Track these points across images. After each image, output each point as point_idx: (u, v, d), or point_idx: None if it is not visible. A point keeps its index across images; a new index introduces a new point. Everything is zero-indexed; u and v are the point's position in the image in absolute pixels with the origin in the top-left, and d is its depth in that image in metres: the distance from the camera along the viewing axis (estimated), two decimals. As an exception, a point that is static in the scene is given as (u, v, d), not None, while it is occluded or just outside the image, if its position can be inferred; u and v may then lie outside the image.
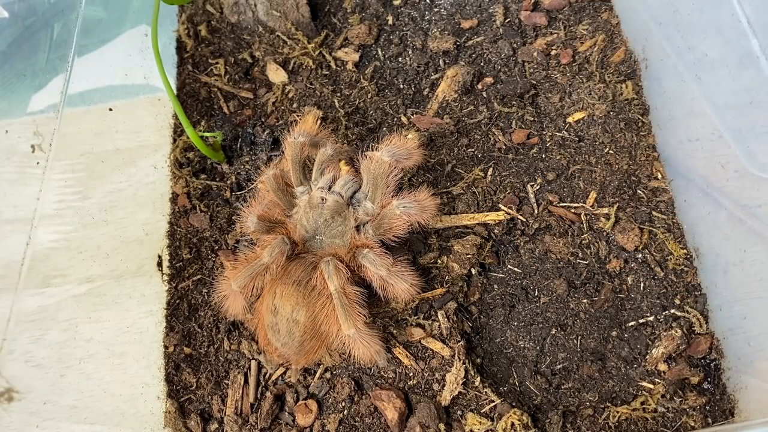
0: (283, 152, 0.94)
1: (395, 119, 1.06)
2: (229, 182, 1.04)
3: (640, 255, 0.93)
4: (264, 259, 0.83)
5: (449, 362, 0.88)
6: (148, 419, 0.91)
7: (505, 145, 1.02)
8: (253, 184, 1.04)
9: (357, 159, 0.90)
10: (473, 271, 0.94)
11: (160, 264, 1.01)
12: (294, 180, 0.91)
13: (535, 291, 0.93)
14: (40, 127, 1.07)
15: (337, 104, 1.07)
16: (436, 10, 1.16)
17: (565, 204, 0.97)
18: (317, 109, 1.07)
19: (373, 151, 0.86)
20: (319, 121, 0.97)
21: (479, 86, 1.07)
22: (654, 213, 0.96)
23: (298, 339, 0.83)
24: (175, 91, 1.11)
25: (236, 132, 1.09)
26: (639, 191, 0.97)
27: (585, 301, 0.92)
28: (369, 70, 1.11)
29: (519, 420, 0.82)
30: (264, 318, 0.85)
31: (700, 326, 0.88)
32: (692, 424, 0.83)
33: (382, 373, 0.89)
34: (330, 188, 0.89)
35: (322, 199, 0.88)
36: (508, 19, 1.12)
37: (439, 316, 0.90)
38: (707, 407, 0.85)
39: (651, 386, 0.86)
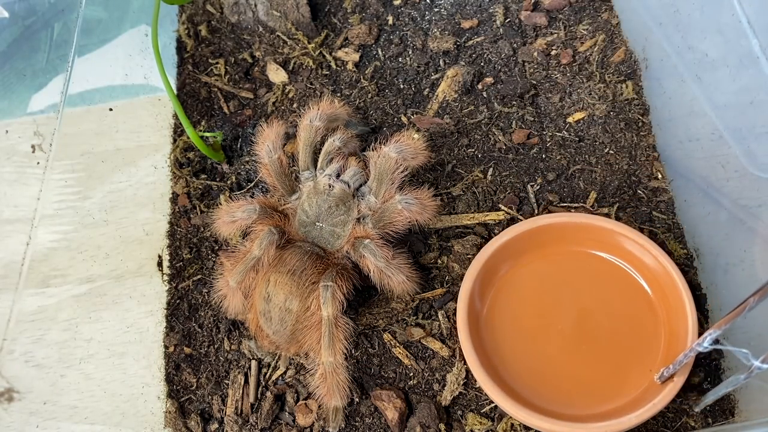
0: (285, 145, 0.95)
1: (395, 119, 1.06)
2: (229, 182, 1.04)
3: (640, 255, 0.93)
4: (255, 253, 0.83)
5: (449, 362, 0.88)
6: (148, 419, 0.91)
7: (505, 145, 1.02)
8: (253, 183, 1.04)
9: (364, 155, 0.91)
10: (473, 271, 0.94)
11: (160, 264, 1.01)
12: (301, 163, 0.92)
13: (535, 291, 0.94)
14: (40, 127, 1.07)
15: (337, 104, 1.07)
16: (436, 10, 1.16)
17: (565, 204, 0.97)
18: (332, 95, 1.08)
19: (380, 146, 0.86)
20: (336, 102, 0.98)
21: (479, 86, 1.07)
22: (654, 213, 0.96)
23: (290, 328, 0.84)
24: (175, 91, 1.11)
25: (236, 132, 1.09)
26: (639, 191, 0.97)
27: (585, 301, 0.92)
28: (369, 70, 1.11)
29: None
30: (256, 304, 0.86)
31: (701, 326, 0.88)
32: (692, 424, 0.83)
33: (382, 373, 0.89)
34: (338, 176, 0.90)
35: (330, 186, 0.89)
36: (508, 19, 1.12)
37: (439, 316, 0.90)
38: (707, 407, 0.84)
39: (651, 386, 0.87)
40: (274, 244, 0.84)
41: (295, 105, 1.09)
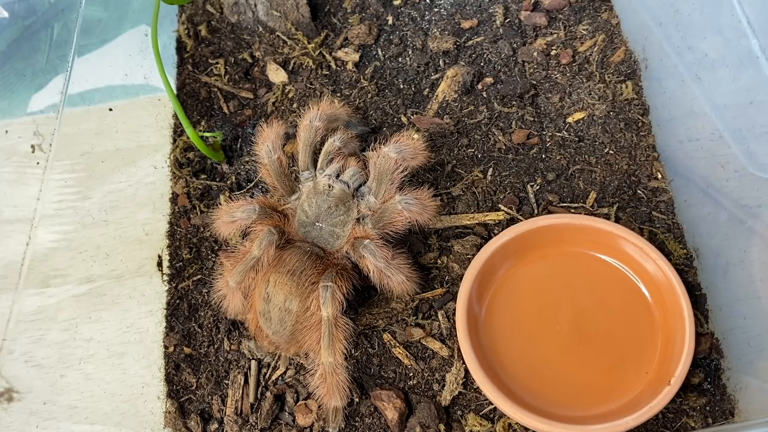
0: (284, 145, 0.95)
1: (395, 119, 1.06)
2: (229, 182, 1.04)
3: (640, 255, 0.93)
4: (254, 253, 0.83)
5: (449, 362, 0.88)
6: (148, 419, 0.91)
7: (505, 145, 1.02)
8: (252, 183, 1.04)
9: (364, 155, 0.91)
10: (473, 271, 0.94)
11: (160, 264, 1.01)
12: (301, 163, 0.92)
13: (535, 291, 0.94)
14: (40, 127, 1.07)
15: (337, 104, 1.07)
16: (436, 10, 1.16)
17: (565, 204, 0.97)
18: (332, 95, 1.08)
19: (380, 146, 0.86)
20: (336, 102, 0.99)
21: (479, 86, 1.07)
22: (654, 213, 0.96)
23: (289, 328, 0.84)
24: (175, 91, 1.11)
25: (236, 132, 1.09)
26: (639, 191, 0.97)
27: (585, 301, 0.92)
28: (369, 70, 1.11)
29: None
30: (256, 305, 0.86)
31: (701, 326, 0.88)
32: (692, 424, 0.83)
33: (382, 373, 0.89)
34: (338, 177, 0.90)
35: (329, 186, 0.89)
36: (508, 19, 1.12)
37: (439, 316, 0.90)
38: (707, 407, 0.85)
39: (651, 386, 0.87)
40: (273, 244, 0.84)
41: (295, 105, 1.09)
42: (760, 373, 0.85)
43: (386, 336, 0.90)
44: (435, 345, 0.89)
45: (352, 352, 0.89)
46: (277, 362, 0.92)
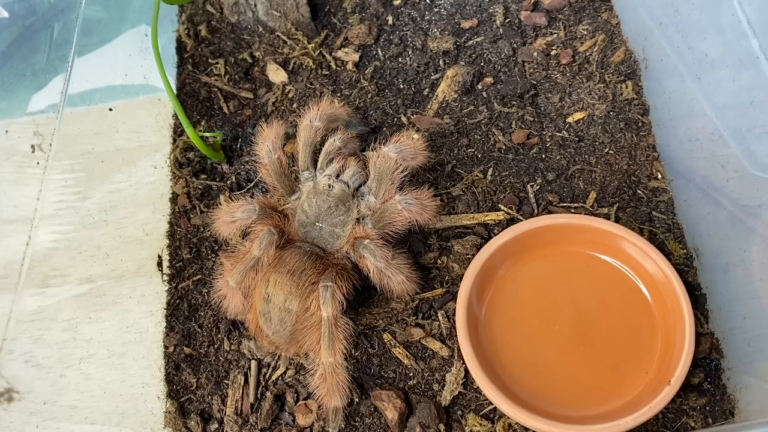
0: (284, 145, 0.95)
1: (395, 119, 1.06)
2: (229, 182, 1.05)
3: (640, 255, 0.93)
4: (254, 253, 0.83)
5: (449, 362, 0.88)
6: (148, 419, 0.91)
7: (505, 145, 1.02)
8: (252, 183, 1.04)
9: (364, 155, 0.92)
10: (473, 271, 0.94)
11: (160, 264, 1.01)
12: (301, 163, 0.92)
13: (535, 291, 0.94)
14: (40, 127, 1.07)
15: (337, 104, 1.07)
16: (436, 10, 1.16)
17: (565, 204, 0.97)
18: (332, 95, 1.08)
19: (380, 146, 0.86)
20: (336, 102, 0.99)
21: (479, 86, 1.07)
22: (654, 213, 0.96)
23: (289, 328, 0.84)
24: (175, 91, 1.11)
25: (236, 132, 1.09)
26: (639, 191, 0.97)
27: (585, 301, 0.92)
28: (369, 70, 1.11)
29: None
30: (256, 305, 0.86)
31: (701, 326, 0.88)
32: (692, 424, 0.83)
33: (382, 373, 0.89)
34: (338, 177, 0.90)
35: (329, 186, 0.89)
36: (508, 19, 1.12)
37: (439, 316, 0.90)
38: (707, 407, 0.85)
39: (651, 386, 0.87)
40: (273, 244, 0.84)
41: (295, 105, 1.09)
42: (760, 373, 0.85)
43: (386, 336, 0.90)
44: (435, 345, 0.89)
45: (352, 352, 0.89)
46: (277, 362, 0.92)
